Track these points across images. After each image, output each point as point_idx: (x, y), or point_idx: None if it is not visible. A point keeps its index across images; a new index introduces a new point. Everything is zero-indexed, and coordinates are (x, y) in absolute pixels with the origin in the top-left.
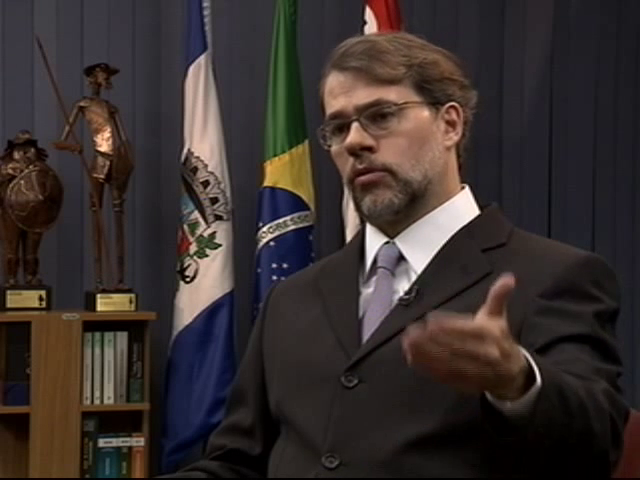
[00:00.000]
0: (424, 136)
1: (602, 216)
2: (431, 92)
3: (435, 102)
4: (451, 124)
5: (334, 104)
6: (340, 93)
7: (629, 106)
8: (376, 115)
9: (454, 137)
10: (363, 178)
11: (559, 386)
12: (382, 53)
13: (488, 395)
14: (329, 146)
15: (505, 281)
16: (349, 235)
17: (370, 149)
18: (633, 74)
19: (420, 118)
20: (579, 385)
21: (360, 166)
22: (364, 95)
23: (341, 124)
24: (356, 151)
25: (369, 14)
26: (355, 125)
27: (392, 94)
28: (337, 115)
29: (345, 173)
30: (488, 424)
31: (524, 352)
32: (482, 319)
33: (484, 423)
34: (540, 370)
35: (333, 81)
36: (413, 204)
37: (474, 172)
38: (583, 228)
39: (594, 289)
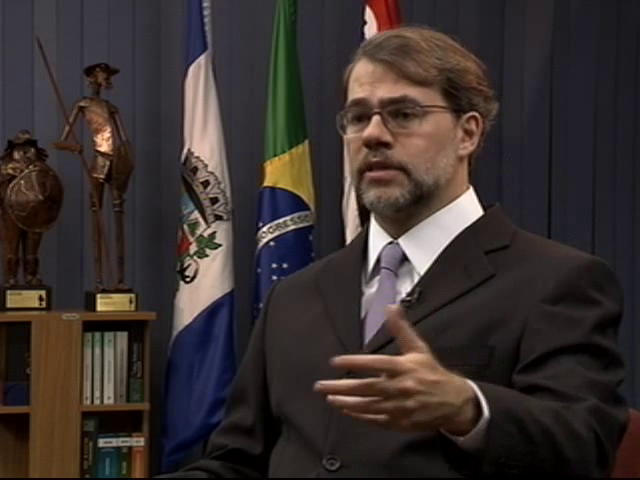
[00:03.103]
0: (442, 142)
1: (602, 216)
2: (457, 99)
3: (458, 110)
4: (469, 133)
5: (359, 91)
6: (367, 82)
7: (629, 106)
8: (399, 112)
9: (469, 147)
10: (375, 174)
11: (515, 415)
12: (417, 52)
13: (442, 430)
14: (344, 133)
15: (390, 310)
16: (349, 235)
17: (387, 145)
18: (633, 74)
19: (441, 123)
20: (548, 410)
21: (374, 159)
22: (391, 90)
23: (361, 113)
24: (372, 144)
25: (369, 14)
26: (376, 118)
27: (419, 95)
28: (359, 102)
29: (356, 162)
30: (446, 458)
31: (471, 384)
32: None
33: (444, 457)
34: (488, 401)
35: (362, 69)
36: (416, 205)
37: (474, 172)
38: (583, 228)
39: (596, 293)
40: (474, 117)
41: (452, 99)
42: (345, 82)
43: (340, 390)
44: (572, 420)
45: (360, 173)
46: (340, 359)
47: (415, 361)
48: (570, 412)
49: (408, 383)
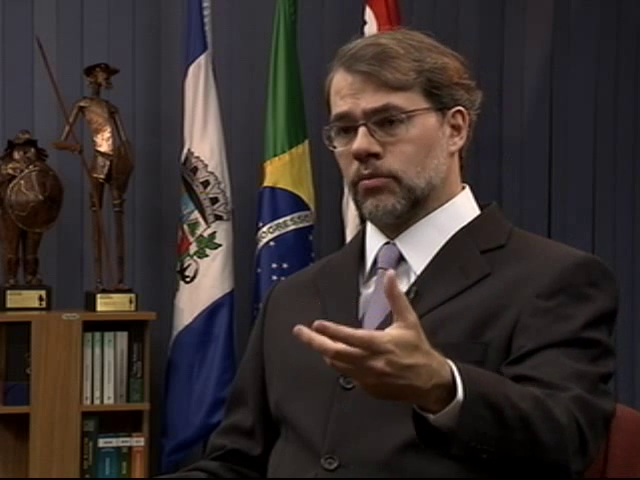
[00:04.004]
0: (430, 143)
1: (602, 216)
2: (439, 97)
3: (442, 107)
4: (456, 128)
5: (341, 104)
6: (348, 94)
7: (629, 106)
8: (384, 121)
9: (459, 142)
10: (367, 182)
11: (491, 400)
12: (393, 58)
13: (415, 406)
14: (334, 147)
15: (389, 275)
16: (349, 235)
17: (376, 155)
18: (633, 74)
19: (427, 125)
20: (529, 396)
21: (365, 172)
22: (373, 100)
23: (347, 126)
24: (362, 157)
25: (369, 14)
26: (362, 130)
27: (401, 100)
28: (343, 116)
29: (349, 175)
30: (418, 433)
31: (451, 365)
32: (389, 329)
33: (416, 432)
34: (464, 383)
35: (341, 81)
36: (414, 208)
37: (474, 172)
38: (583, 228)
39: (591, 290)
40: (459, 111)
41: (435, 98)
42: (326, 93)
43: (315, 343)
44: (553, 406)
45: (354, 185)
46: (322, 324)
47: (396, 340)
48: (553, 399)
49: (378, 365)
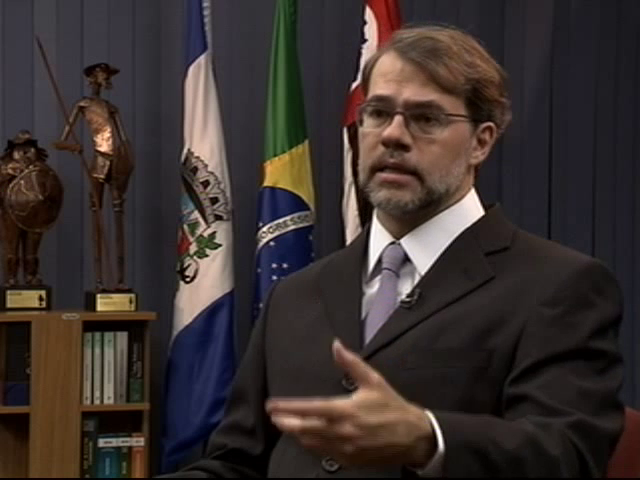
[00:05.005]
0: (458, 151)
1: (602, 216)
2: (479, 110)
3: (477, 119)
4: (482, 143)
5: (384, 87)
6: (394, 80)
7: (629, 106)
8: (422, 116)
9: (480, 156)
10: (389, 177)
11: (474, 445)
12: (448, 57)
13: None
14: (361, 125)
15: (336, 347)
16: (349, 235)
17: (405, 147)
18: (633, 74)
19: (461, 132)
20: (518, 434)
21: (390, 160)
22: (419, 93)
23: (383, 110)
24: (391, 145)
25: (369, 14)
26: (399, 118)
27: (445, 102)
28: (383, 99)
29: (370, 159)
30: None
31: (430, 416)
32: (352, 397)
33: None
34: (444, 433)
35: (390, 65)
36: (424, 209)
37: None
38: (583, 228)
39: (595, 296)
40: (490, 127)
41: (474, 109)
42: (367, 72)
43: (285, 427)
44: (544, 439)
45: (372, 171)
46: (273, 406)
47: (359, 404)
48: (546, 432)
49: (345, 429)
